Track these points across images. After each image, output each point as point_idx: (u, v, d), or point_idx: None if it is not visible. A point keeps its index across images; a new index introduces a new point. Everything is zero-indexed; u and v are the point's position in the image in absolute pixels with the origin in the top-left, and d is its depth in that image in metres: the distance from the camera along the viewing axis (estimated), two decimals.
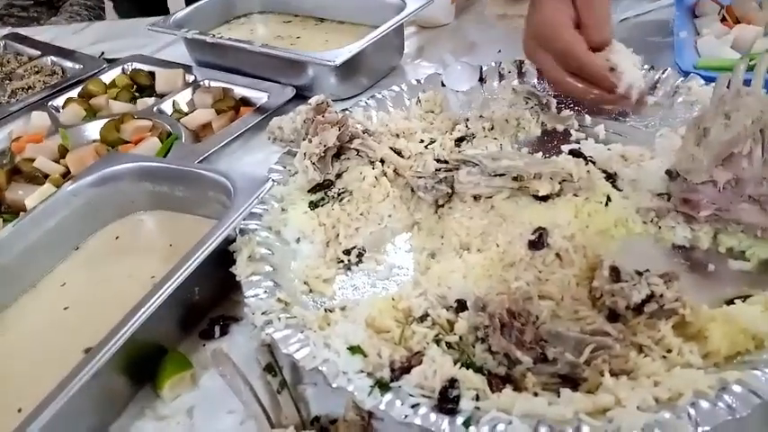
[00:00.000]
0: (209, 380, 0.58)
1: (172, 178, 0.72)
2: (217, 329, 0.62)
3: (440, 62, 1.07)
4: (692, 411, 0.44)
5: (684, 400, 0.45)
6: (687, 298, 0.53)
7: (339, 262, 0.67)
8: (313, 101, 0.78)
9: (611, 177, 0.69)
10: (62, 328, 0.63)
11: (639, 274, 0.55)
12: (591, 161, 0.70)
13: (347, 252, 0.67)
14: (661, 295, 0.53)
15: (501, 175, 0.65)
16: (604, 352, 0.50)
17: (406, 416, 0.46)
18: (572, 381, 0.50)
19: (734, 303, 0.55)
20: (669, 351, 0.51)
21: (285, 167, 0.77)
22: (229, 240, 0.64)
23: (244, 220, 0.65)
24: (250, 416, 0.53)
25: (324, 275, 0.65)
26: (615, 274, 0.55)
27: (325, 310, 0.59)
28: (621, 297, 0.54)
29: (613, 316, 0.55)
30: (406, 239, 0.70)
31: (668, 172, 0.66)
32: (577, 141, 0.79)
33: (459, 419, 0.46)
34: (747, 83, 0.66)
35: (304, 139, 0.75)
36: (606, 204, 0.64)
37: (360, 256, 0.67)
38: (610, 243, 0.63)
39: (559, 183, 0.64)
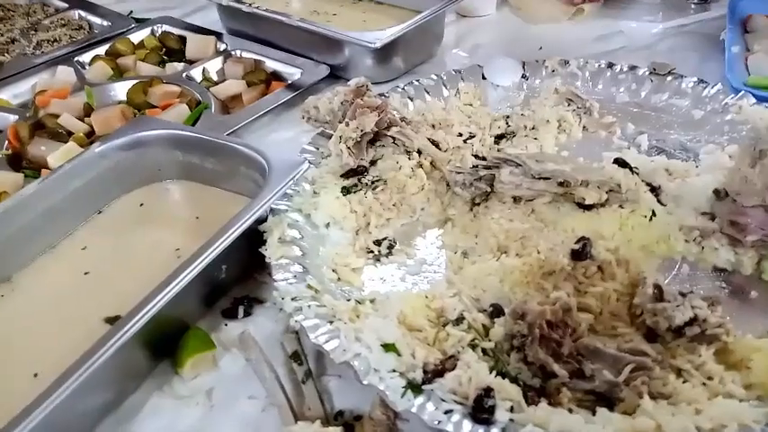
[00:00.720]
0: (229, 361, 0.56)
1: (204, 149, 0.69)
2: (240, 310, 0.60)
3: (478, 53, 1.05)
4: None
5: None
6: (731, 325, 0.52)
7: (369, 252, 0.65)
8: (353, 83, 0.75)
9: (654, 190, 0.67)
10: (81, 294, 0.61)
11: (683, 295, 0.53)
12: (635, 172, 0.68)
13: (378, 243, 0.66)
14: (704, 320, 0.51)
15: (545, 178, 0.63)
16: (643, 373, 0.49)
17: (438, 422, 0.45)
18: (607, 399, 0.48)
19: None
20: (710, 378, 0.50)
21: (318, 149, 0.75)
22: (260, 220, 0.62)
23: (276, 200, 0.63)
24: (272, 404, 0.52)
25: (353, 264, 0.63)
26: (659, 292, 0.53)
27: (356, 302, 0.57)
28: (663, 317, 0.52)
29: (651, 336, 0.53)
30: (438, 235, 0.68)
31: (716, 191, 0.64)
32: (619, 149, 0.77)
33: (495, 431, 0.44)
34: None
35: (341, 122, 0.73)
36: (650, 219, 0.62)
37: (390, 248, 0.65)
38: (650, 259, 0.61)
39: (606, 192, 0.62)
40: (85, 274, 0.63)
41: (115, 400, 0.52)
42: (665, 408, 0.47)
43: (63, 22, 1.16)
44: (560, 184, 0.62)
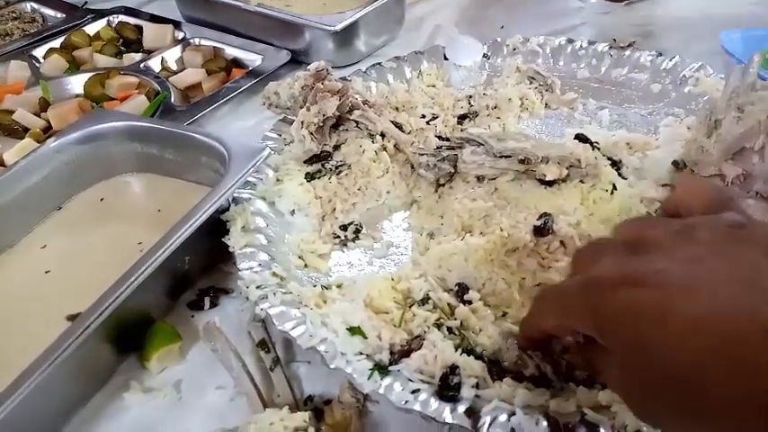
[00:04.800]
0: (197, 353, 0.56)
1: (162, 140, 0.68)
2: (206, 301, 0.60)
3: (441, 34, 1.04)
4: None
5: None
6: None
7: (335, 237, 0.65)
8: (312, 67, 0.74)
9: (615, 165, 0.68)
10: (43, 293, 0.60)
11: None
12: (596, 147, 0.68)
13: (344, 227, 0.65)
14: None
15: (507, 156, 0.63)
16: None
17: (405, 401, 0.45)
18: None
19: None
20: None
21: (280, 135, 0.74)
22: (222, 209, 0.62)
23: (238, 188, 0.62)
24: (240, 393, 0.51)
25: (319, 250, 0.63)
26: None
27: (322, 287, 0.57)
28: None
29: None
30: (404, 217, 0.68)
31: (675, 163, 0.66)
32: (581, 125, 0.77)
33: (461, 407, 0.45)
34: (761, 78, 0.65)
35: (302, 107, 0.72)
36: (611, 192, 0.63)
37: (357, 232, 0.65)
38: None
39: (567, 168, 0.62)
40: (46, 272, 0.62)
41: (82, 397, 0.52)
42: None
43: (14, 14, 1.12)
44: (521, 161, 0.62)
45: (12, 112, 0.83)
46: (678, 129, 0.73)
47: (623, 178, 0.66)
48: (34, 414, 0.47)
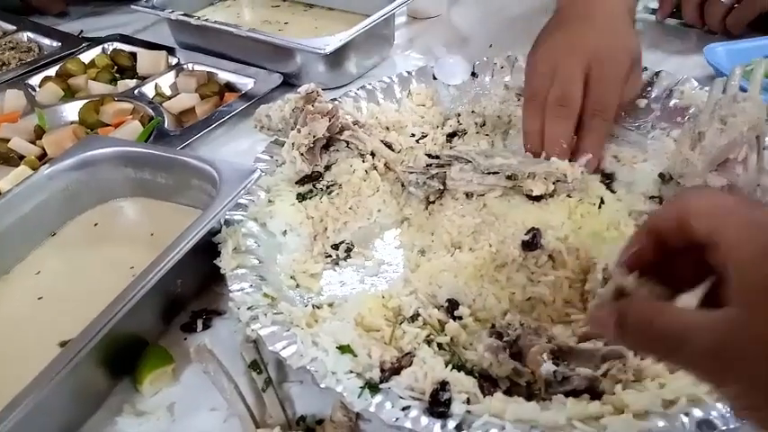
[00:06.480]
0: (190, 375, 0.56)
1: (154, 165, 0.69)
2: (199, 323, 0.60)
3: (430, 54, 1.06)
4: (685, 420, 0.43)
5: (678, 408, 0.44)
6: None
7: (327, 257, 0.65)
8: (303, 89, 0.75)
9: (607, 177, 0.69)
10: (36, 319, 0.60)
11: None
12: None
13: (335, 247, 0.66)
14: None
15: (494, 173, 0.64)
16: (619, 361, 0.49)
17: (396, 419, 0.45)
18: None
19: None
20: None
21: (272, 157, 0.75)
22: (213, 231, 0.62)
23: (229, 210, 0.63)
24: (233, 414, 0.52)
25: (311, 270, 0.63)
26: (609, 276, 0.54)
27: (313, 307, 0.57)
28: None
29: None
30: (395, 235, 0.68)
31: (661, 175, 0.66)
32: None
33: (451, 423, 0.45)
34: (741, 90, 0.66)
35: (292, 129, 0.73)
36: (599, 206, 0.64)
37: (348, 251, 0.66)
38: (601, 245, 0.62)
39: (553, 183, 0.63)
40: (39, 299, 0.62)
41: (75, 422, 0.52)
42: (630, 385, 0.47)
43: (11, 44, 1.14)
44: (509, 177, 0.63)
45: (7, 141, 0.84)
46: (665, 142, 0.74)
47: (612, 192, 0.67)
48: None
